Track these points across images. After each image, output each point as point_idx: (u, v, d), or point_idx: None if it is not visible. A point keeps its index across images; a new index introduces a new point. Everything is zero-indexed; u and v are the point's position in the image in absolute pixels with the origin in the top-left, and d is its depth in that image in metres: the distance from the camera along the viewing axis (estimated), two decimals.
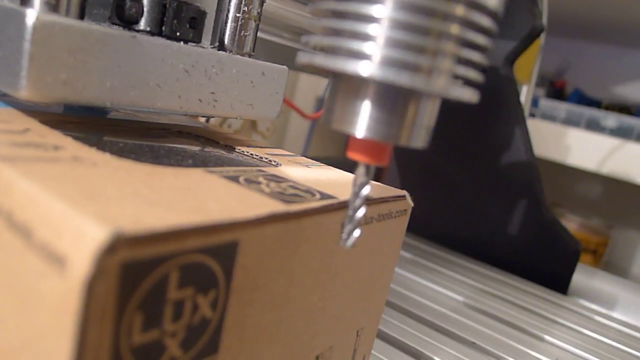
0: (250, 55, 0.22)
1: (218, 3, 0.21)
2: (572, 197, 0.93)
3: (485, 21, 0.12)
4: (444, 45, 0.12)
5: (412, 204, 0.20)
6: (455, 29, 0.12)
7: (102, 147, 0.16)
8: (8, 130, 0.15)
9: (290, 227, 0.14)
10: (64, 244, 0.10)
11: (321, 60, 0.12)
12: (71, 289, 0.09)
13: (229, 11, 0.21)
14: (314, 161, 0.22)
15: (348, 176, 0.20)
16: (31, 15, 0.14)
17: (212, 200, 0.13)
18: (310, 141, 0.61)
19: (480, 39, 0.12)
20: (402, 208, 0.19)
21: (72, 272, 0.09)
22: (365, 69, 0.12)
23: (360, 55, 0.12)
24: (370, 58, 0.12)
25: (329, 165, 0.22)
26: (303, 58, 0.13)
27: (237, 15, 0.21)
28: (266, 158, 0.21)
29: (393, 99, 0.12)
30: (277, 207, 0.13)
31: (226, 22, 0.21)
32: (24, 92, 0.15)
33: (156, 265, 0.10)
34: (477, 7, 0.12)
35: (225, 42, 0.21)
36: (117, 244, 0.09)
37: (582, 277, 0.49)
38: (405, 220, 0.20)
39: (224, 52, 0.20)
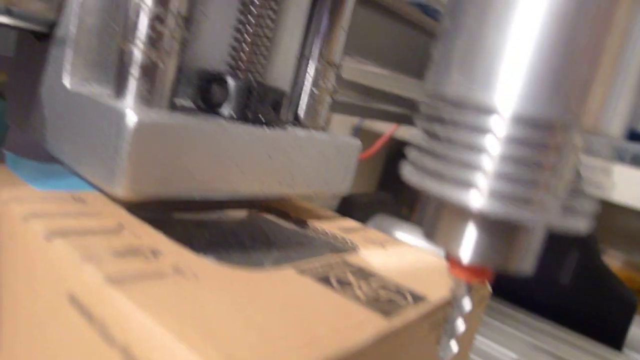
0: (323, 129, 0.22)
1: (294, 78, 0.21)
2: (614, 233, 0.91)
3: (605, 149, 0.12)
4: (558, 180, 0.11)
5: (490, 290, 0.19)
6: (573, 160, 0.11)
7: (189, 239, 0.16)
8: (103, 229, 0.14)
9: (390, 341, 0.13)
10: None
11: (431, 185, 0.12)
12: None
13: (304, 85, 0.21)
14: (383, 235, 0.22)
15: (428, 260, 0.20)
16: (131, 116, 0.14)
17: (318, 320, 0.13)
18: None
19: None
20: (483, 295, 0.19)
21: None
22: (476, 201, 0.11)
23: (469, 185, 0.11)
24: (480, 190, 0.11)
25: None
26: (413, 178, 0.12)
27: (313, 89, 0.21)
28: (341, 236, 0.20)
29: (502, 229, 0.12)
30: (380, 324, 0.13)
31: (302, 97, 0.21)
32: (120, 191, 0.15)
33: None
34: (597, 135, 0.11)
35: (301, 116, 0.21)
36: None
37: (638, 329, 0.47)
38: (484, 305, 0.19)
39: (301, 131, 0.20)
